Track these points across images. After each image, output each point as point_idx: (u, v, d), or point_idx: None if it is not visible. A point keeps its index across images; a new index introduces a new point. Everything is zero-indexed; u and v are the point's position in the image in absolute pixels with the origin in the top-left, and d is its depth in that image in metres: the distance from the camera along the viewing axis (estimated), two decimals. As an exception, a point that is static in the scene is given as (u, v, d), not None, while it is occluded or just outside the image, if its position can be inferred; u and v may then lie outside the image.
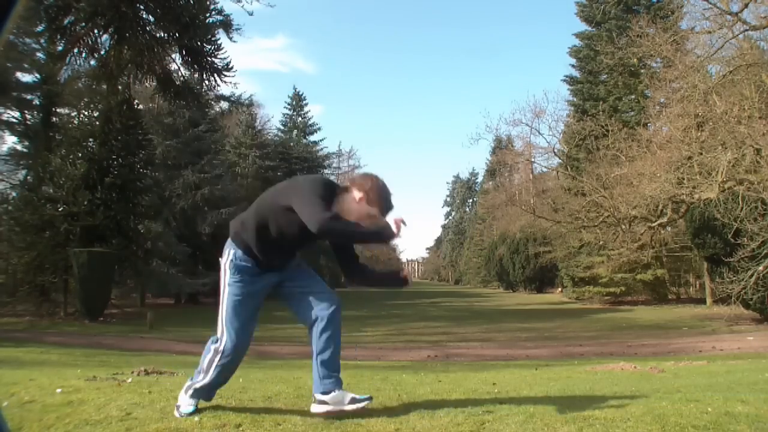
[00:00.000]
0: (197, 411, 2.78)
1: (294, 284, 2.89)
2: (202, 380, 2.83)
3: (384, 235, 2.66)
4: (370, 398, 2.85)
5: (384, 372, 7.02)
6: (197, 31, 21.90)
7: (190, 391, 2.84)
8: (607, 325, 20.38)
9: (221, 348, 2.79)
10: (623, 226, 20.71)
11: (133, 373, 4.71)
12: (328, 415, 2.71)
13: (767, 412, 2.78)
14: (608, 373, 6.45)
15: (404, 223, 2.65)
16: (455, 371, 7.66)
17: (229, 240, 2.85)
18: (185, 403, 2.81)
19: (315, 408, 2.77)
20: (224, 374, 2.88)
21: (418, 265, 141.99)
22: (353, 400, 2.76)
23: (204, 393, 2.87)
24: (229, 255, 2.81)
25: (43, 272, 19.46)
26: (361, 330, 18.21)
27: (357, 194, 2.73)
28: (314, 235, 2.63)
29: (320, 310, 2.81)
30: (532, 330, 18.40)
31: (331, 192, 2.73)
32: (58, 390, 3.38)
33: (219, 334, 2.81)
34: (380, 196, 2.73)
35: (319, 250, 45.81)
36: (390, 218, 2.68)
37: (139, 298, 26.45)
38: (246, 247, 2.79)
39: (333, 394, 2.75)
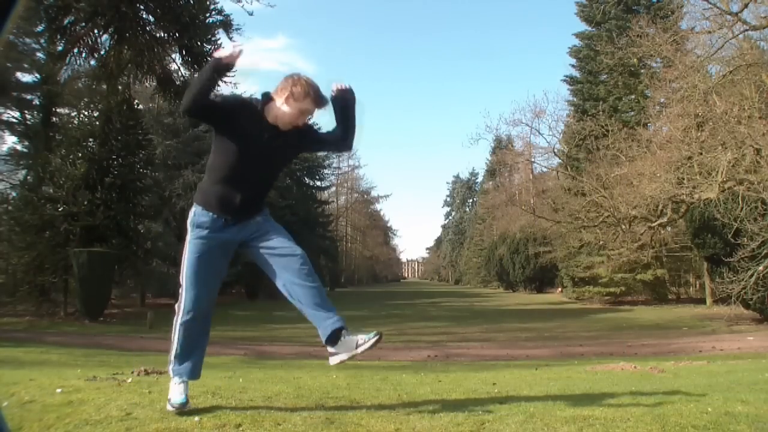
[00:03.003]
0: (188, 403, 2.75)
1: (258, 244, 2.84)
2: (173, 349, 2.84)
3: (216, 64, 2.69)
4: (377, 334, 2.79)
5: (384, 372, 7.02)
6: (197, 31, 21.87)
7: (170, 366, 2.85)
8: (607, 325, 20.38)
9: (181, 305, 2.81)
10: (623, 226, 20.71)
11: (133, 373, 4.71)
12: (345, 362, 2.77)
13: (767, 412, 2.78)
14: (608, 373, 6.45)
15: (237, 47, 2.68)
16: (455, 371, 7.66)
17: (193, 204, 2.89)
18: (174, 392, 2.79)
19: (331, 360, 2.79)
20: (189, 337, 2.84)
21: (418, 265, 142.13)
22: (359, 344, 2.74)
23: (183, 368, 2.84)
24: (190, 216, 2.83)
25: (43, 272, 19.45)
26: (361, 330, 18.19)
27: (279, 99, 2.75)
28: (254, 163, 2.73)
29: (292, 270, 2.78)
30: (532, 330, 18.39)
31: (246, 106, 2.79)
32: (58, 390, 3.38)
33: (180, 293, 2.83)
34: (305, 90, 2.73)
35: (318, 249, 45.91)
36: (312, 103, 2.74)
37: (139, 298, 26.45)
38: (205, 201, 2.80)
39: (341, 341, 2.74)
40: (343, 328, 2.76)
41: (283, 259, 2.80)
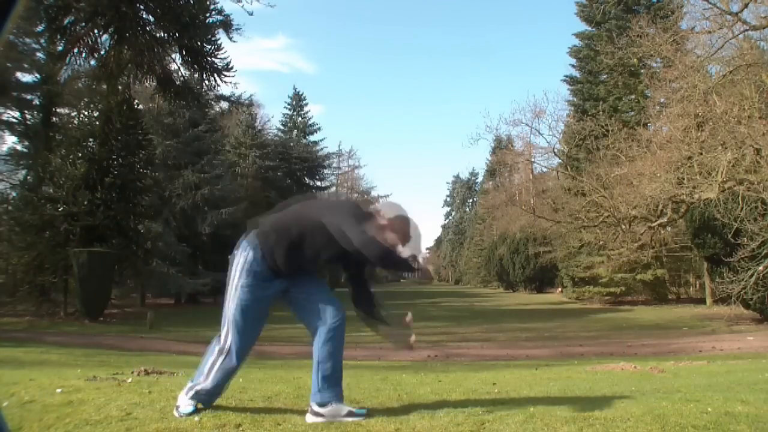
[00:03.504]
0: (197, 411, 2.78)
1: (300, 291, 2.87)
2: (203, 383, 2.81)
3: (410, 266, 2.79)
4: (366, 411, 2.83)
5: (384, 372, 7.03)
6: (197, 31, 21.90)
7: (191, 393, 2.83)
8: (607, 325, 20.37)
9: (225, 348, 2.78)
10: (623, 226, 20.69)
11: (133, 373, 4.71)
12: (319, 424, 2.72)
13: (767, 412, 2.78)
14: (608, 373, 6.45)
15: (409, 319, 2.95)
16: (455, 371, 7.65)
17: (249, 240, 2.82)
18: (184, 403, 2.80)
19: (309, 418, 2.74)
20: (225, 378, 2.85)
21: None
22: (349, 414, 2.75)
23: (204, 397, 2.85)
24: (245, 257, 2.77)
25: (43, 272, 19.45)
26: (361, 330, 18.14)
27: (382, 221, 2.78)
28: (346, 255, 2.74)
29: (324, 321, 2.80)
30: (532, 330, 18.38)
31: (361, 215, 2.78)
32: (58, 390, 3.38)
33: (223, 335, 2.80)
34: (409, 238, 2.80)
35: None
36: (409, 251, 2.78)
37: (139, 298, 26.44)
38: (269, 252, 2.77)
39: (330, 407, 2.73)
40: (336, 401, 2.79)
41: (323, 307, 2.82)
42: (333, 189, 58.33)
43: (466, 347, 13.89)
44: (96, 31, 21.00)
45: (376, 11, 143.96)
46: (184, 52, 22.94)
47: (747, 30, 17.10)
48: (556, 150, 29.58)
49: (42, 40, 22.04)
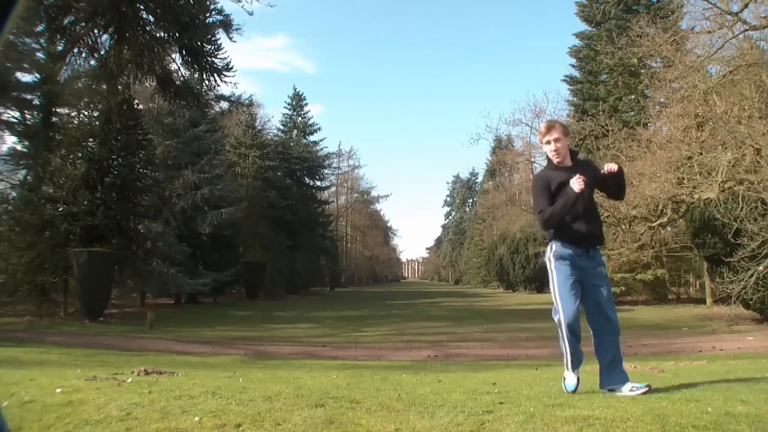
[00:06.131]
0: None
1: (593, 283, 3.70)
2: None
3: (575, 195, 3.60)
4: (648, 387, 3.60)
5: (384, 372, 7.03)
6: (197, 31, 21.91)
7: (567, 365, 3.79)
8: (607, 325, 20.31)
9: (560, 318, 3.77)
10: (623, 226, 20.68)
11: (133, 373, 4.71)
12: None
13: (767, 412, 2.78)
14: (608, 373, 6.43)
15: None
16: (455, 371, 7.65)
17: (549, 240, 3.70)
18: (570, 378, 3.85)
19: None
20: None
21: (418, 265, 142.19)
22: (633, 389, 3.60)
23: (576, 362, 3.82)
24: (550, 249, 3.67)
25: (43, 272, 19.45)
26: (361, 330, 18.22)
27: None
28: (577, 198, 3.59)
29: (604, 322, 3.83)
30: (532, 330, 18.37)
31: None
32: (58, 390, 3.38)
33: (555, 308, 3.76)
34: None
35: (318, 249, 45.95)
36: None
37: (139, 298, 26.43)
38: (557, 238, 3.64)
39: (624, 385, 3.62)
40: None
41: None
42: (333, 189, 58.39)
43: (466, 347, 13.88)
44: (96, 31, 21.01)
45: (377, 11, 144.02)
46: (184, 52, 22.95)
47: (747, 30, 17.09)
48: (556, 150, 29.52)
49: (42, 40, 22.03)
